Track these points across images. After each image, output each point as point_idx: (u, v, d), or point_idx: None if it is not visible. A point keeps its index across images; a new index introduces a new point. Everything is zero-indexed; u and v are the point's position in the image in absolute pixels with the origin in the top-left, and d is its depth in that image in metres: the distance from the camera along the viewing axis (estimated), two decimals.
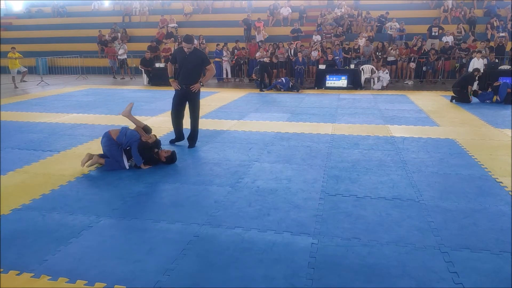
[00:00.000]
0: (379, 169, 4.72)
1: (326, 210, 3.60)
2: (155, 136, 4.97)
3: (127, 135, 4.72)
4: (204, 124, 6.90)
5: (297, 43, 14.63)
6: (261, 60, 13.12)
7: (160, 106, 9.28)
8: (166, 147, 5.55)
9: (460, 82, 9.82)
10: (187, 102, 5.65)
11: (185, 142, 5.87)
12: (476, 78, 9.96)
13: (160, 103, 9.68)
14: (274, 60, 13.38)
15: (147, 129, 4.94)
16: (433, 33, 14.85)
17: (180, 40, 16.11)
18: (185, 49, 5.30)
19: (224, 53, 14.35)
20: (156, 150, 4.91)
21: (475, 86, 10.11)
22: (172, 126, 5.87)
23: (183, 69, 5.43)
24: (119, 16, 20.48)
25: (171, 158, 4.89)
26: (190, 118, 5.69)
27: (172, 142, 5.89)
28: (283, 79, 12.07)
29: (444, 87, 12.32)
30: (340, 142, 5.95)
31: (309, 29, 16.56)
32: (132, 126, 5.06)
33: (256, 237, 3.12)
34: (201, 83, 5.51)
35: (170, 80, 5.63)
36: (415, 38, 13.93)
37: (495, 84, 9.53)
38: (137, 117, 5.19)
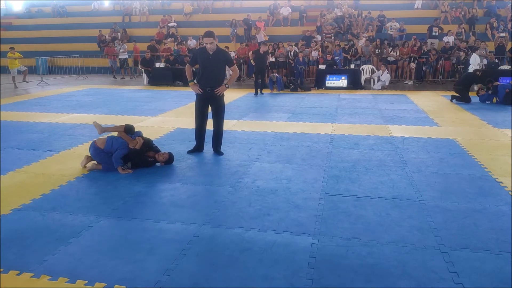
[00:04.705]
0: (379, 169, 4.72)
1: (326, 210, 3.60)
2: (141, 138, 4.78)
3: (113, 144, 4.63)
4: None
5: (298, 43, 14.58)
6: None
7: (160, 106, 9.27)
8: (167, 149, 5.54)
9: (462, 81, 9.81)
10: (210, 106, 5.24)
11: (187, 146, 5.86)
12: (478, 76, 9.93)
13: (160, 103, 9.67)
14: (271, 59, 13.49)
15: (129, 129, 4.78)
16: (433, 33, 14.85)
17: (180, 40, 16.13)
18: (208, 48, 4.86)
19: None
20: (148, 149, 4.81)
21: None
22: (194, 135, 5.43)
23: (206, 71, 4.99)
24: (119, 16, 20.49)
25: (169, 160, 4.86)
26: (214, 120, 5.26)
27: (190, 152, 5.37)
28: (276, 75, 12.03)
29: (444, 87, 12.31)
30: (340, 142, 5.94)
31: (309, 29, 16.55)
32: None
33: (256, 237, 3.12)
34: (227, 85, 5.12)
35: (190, 83, 5.12)
36: (414, 38, 13.90)
37: (495, 83, 9.51)
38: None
